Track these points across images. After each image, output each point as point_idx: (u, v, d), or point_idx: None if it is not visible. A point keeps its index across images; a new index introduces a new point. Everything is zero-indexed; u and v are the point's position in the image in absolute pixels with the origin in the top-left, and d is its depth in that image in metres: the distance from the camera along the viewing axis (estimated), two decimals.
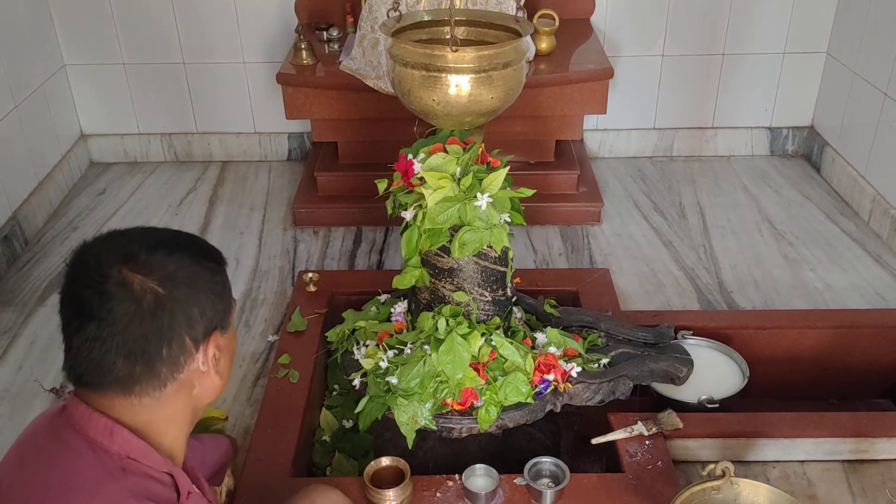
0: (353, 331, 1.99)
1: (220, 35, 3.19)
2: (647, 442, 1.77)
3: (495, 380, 1.74)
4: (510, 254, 1.82)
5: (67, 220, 2.99)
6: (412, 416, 1.71)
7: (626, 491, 1.65)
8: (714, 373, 2.01)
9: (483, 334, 1.76)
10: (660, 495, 1.63)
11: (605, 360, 1.87)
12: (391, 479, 1.65)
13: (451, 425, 1.74)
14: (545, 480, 1.68)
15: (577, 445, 2.00)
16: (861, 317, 2.28)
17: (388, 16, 1.93)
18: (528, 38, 1.99)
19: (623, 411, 1.86)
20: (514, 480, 1.67)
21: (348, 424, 2.03)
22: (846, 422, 1.83)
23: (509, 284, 1.86)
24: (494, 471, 1.67)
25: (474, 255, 1.75)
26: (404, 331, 1.90)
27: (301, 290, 2.30)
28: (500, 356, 1.76)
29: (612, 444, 1.80)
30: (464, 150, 1.74)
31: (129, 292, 0.98)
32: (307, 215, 2.91)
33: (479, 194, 1.67)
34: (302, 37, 2.84)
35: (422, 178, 1.69)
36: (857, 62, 3.01)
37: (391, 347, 1.83)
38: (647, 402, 1.97)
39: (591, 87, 2.78)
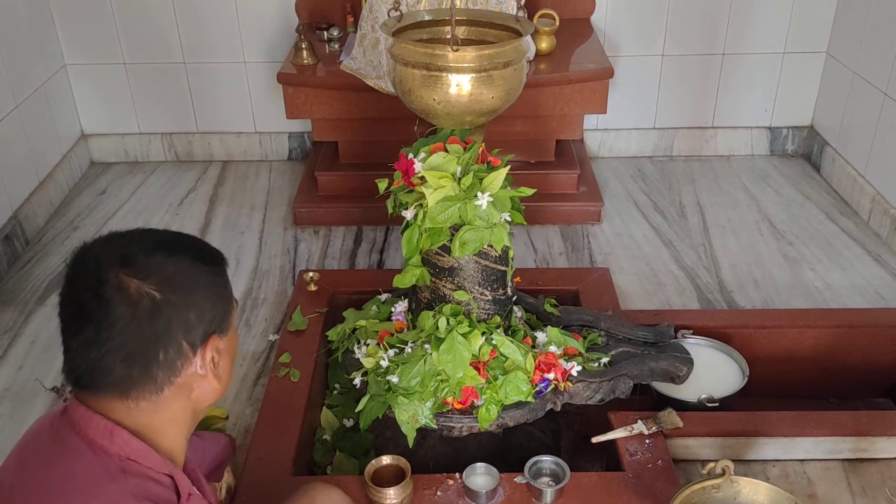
0: (354, 330, 1.99)
1: (220, 35, 3.20)
2: (647, 441, 1.78)
3: (496, 379, 1.74)
4: (510, 253, 1.83)
5: (68, 219, 3.00)
6: (413, 415, 1.71)
7: (626, 489, 1.66)
8: (714, 372, 2.02)
9: (483, 333, 1.77)
10: (660, 494, 1.63)
11: (605, 360, 1.87)
12: (392, 477, 1.65)
13: (452, 424, 1.74)
14: (545, 479, 1.68)
15: (578, 444, 2.00)
16: (861, 316, 2.29)
17: (388, 15, 1.93)
18: (529, 37, 1.99)
19: (623, 410, 1.86)
20: (515, 479, 1.68)
21: (349, 423, 2.03)
22: (846, 421, 1.84)
23: (510, 283, 1.86)
24: (495, 469, 1.67)
25: (475, 255, 1.75)
26: (405, 330, 1.90)
27: (302, 290, 2.30)
28: (501, 355, 1.76)
29: (612, 442, 1.80)
30: (464, 149, 1.74)
31: (125, 296, 0.98)
32: (308, 215, 2.92)
33: (479, 193, 1.68)
34: (302, 36, 2.84)
35: (422, 178, 1.70)
36: (856, 62, 3.01)
37: (392, 346, 1.84)
38: (647, 401, 1.97)
39: (591, 86, 2.78)
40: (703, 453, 1.81)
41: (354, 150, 2.95)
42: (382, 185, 1.79)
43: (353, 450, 1.96)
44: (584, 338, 1.94)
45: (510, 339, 1.78)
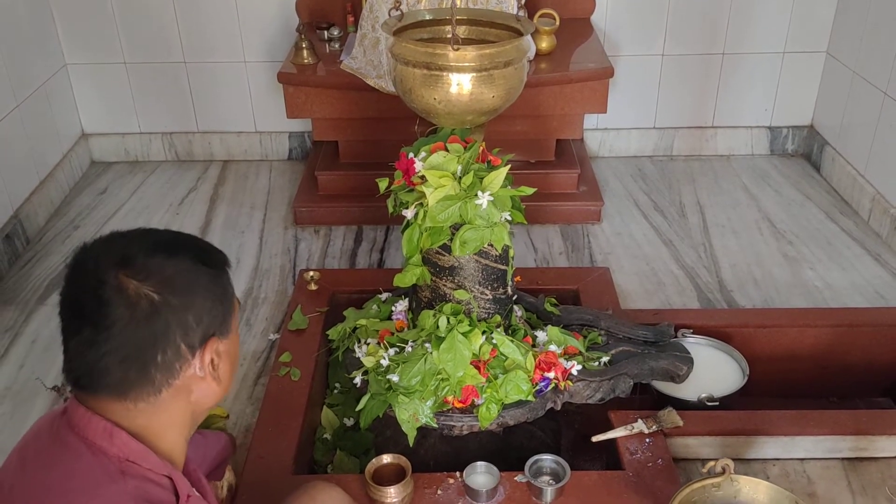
0: (354, 329, 1.99)
1: (221, 34, 3.20)
2: (647, 440, 1.78)
3: (496, 378, 1.75)
4: (511, 252, 1.83)
5: (69, 219, 3.00)
6: (413, 414, 1.72)
7: (626, 488, 1.66)
8: (714, 371, 2.02)
9: (484, 332, 1.77)
10: (660, 493, 1.63)
11: (605, 359, 1.87)
12: (392, 476, 1.65)
13: (452, 423, 1.74)
14: (546, 478, 1.68)
15: (578, 443, 2.00)
16: (861, 315, 2.29)
17: (389, 15, 1.94)
18: (529, 37, 1.99)
19: (623, 409, 1.86)
20: (515, 478, 1.68)
21: (349, 422, 2.03)
22: (846, 420, 1.84)
23: (510, 283, 1.86)
24: (495, 468, 1.67)
25: (475, 254, 1.75)
26: (405, 329, 1.90)
27: (302, 289, 2.30)
28: (501, 354, 1.76)
29: (612, 441, 1.80)
30: (465, 148, 1.74)
31: (124, 298, 0.97)
32: (308, 214, 2.92)
33: (479, 193, 1.68)
34: (303, 36, 2.85)
35: (423, 177, 1.70)
36: (856, 61, 3.01)
37: (392, 345, 1.84)
38: (647, 400, 1.97)
39: (591, 86, 2.79)
40: (703, 452, 1.81)
41: (355, 150, 2.96)
42: (383, 184, 1.79)
43: (353, 449, 1.96)
44: (585, 337, 1.95)
45: (510, 338, 1.79)
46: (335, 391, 2.14)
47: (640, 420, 1.81)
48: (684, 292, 2.52)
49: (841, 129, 3.14)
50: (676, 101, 3.34)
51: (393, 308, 1.98)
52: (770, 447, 1.81)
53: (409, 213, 1.75)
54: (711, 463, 1.56)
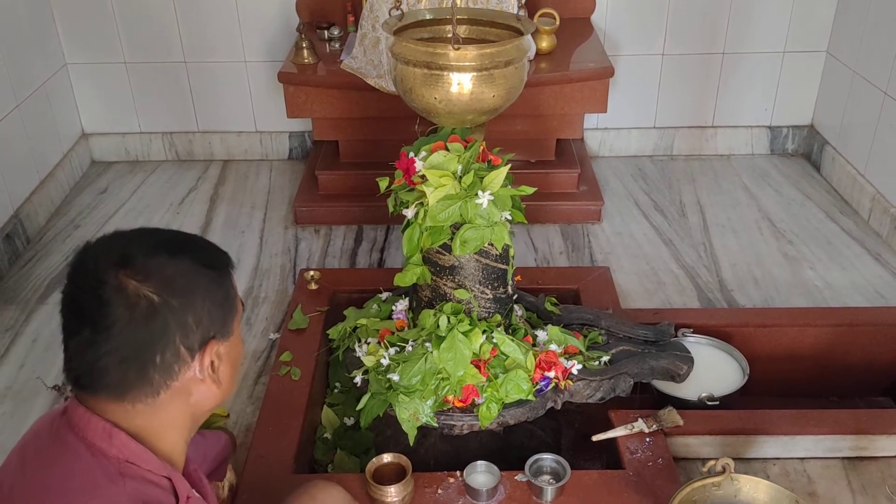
0: (355, 328, 1.99)
1: (221, 34, 3.20)
2: (647, 439, 1.78)
3: (496, 377, 1.75)
4: (511, 251, 1.83)
5: (69, 218, 3.00)
6: (413, 413, 1.72)
7: (626, 487, 1.66)
8: (714, 370, 2.02)
9: (484, 332, 1.77)
10: (660, 492, 1.63)
11: (605, 358, 1.87)
12: (393, 475, 1.65)
13: (453, 422, 1.74)
14: (546, 477, 1.68)
15: (578, 442, 2.00)
16: (861, 315, 2.29)
17: (389, 14, 1.94)
18: (529, 36, 1.99)
19: (623, 408, 1.86)
20: (515, 477, 1.68)
21: (350, 422, 2.03)
22: (846, 419, 1.84)
23: (510, 282, 1.87)
24: (495, 467, 1.67)
25: (475, 253, 1.76)
26: (406, 328, 1.91)
27: (302, 288, 2.31)
28: (502, 353, 1.76)
29: (612, 441, 1.80)
30: (465, 148, 1.74)
31: (124, 298, 0.96)
32: (308, 214, 2.92)
33: (480, 192, 1.68)
34: (303, 36, 2.85)
35: (423, 176, 1.70)
36: (856, 61, 3.01)
37: (392, 345, 1.84)
38: (647, 399, 1.97)
39: (591, 85, 2.79)
40: (703, 451, 1.81)
41: (355, 150, 2.96)
42: (383, 183, 1.79)
43: (353, 448, 1.96)
44: (585, 336, 1.95)
45: (511, 337, 1.79)
46: (335, 390, 2.14)
47: (640, 419, 1.81)
48: (684, 292, 2.52)
49: (841, 128, 3.14)
50: (676, 101, 3.34)
51: (393, 307, 1.98)
52: (770, 446, 1.81)
53: (409, 213, 1.75)
54: (712, 462, 1.56)
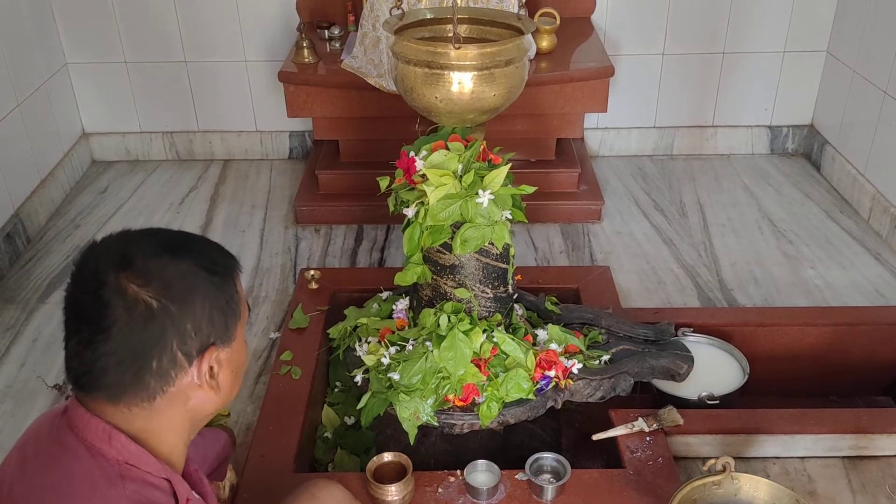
0: (355, 328, 1.99)
1: (221, 33, 3.20)
2: (647, 438, 1.78)
3: (497, 376, 1.75)
4: (511, 251, 1.83)
5: (69, 218, 3.00)
6: (414, 413, 1.72)
7: (626, 487, 1.66)
8: (714, 370, 2.02)
9: (485, 331, 1.77)
10: (660, 491, 1.64)
11: (605, 357, 1.87)
12: (393, 474, 1.66)
13: (453, 421, 1.74)
14: (546, 476, 1.69)
15: (578, 442, 2.00)
16: (861, 314, 2.29)
17: (390, 14, 1.94)
18: (530, 35, 1.99)
19: (624, 408, 1.86)
20: (516, 476, 1.68)
21: (350, 421, 2.04)
22: (846, 418, 1.84)
23: (511, 281, 1.87)
24: (496, 466, 1.68)
25: (476, 252, 1.76)
26: (406, 327, 1.91)
27: (303, 288, 2.31)
28: (502, 352, 1.77)
29: (612, 440, 1.80)
30: (465, 147, 1.74)
31: (123, 300, 0.96)
32: (308, 213, 2.92)
33: (480, 191, 1.68)
34: (303, 35, 2.85)
35: (423, 176, 1.70)
36: (856, 61, 3.02)
37: (393, 344, 1.84)
38: (647, 398, 1.98)
39: (591, 85, 2.79)
40: (703, 451, 1.81)
41: (355, 149, 2.96)
42: (384, 182, 1.79)
43: (354, 447, 1.97)
44: (585, 335, 1.95)
45: (511, 336, 1.79)
46: (336, 390, 2.14)
47: (640, 418, 1.81)
48: (685, 291, 2.52)
49: (841, 128, 3.14)
50: (677, 101, 3.34)
51: (394, 307, 1.99)
52: (770, 445, 1.81)
53: (409, 212, 1.75)
54: (712, 461, 1.56)
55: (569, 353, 1.84)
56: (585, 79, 2.78)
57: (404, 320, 1.93)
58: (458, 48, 1.75)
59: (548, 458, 1.70)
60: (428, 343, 1.76)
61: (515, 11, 1.97)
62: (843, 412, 1.87)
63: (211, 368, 1.03)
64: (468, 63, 1.76)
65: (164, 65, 3.26)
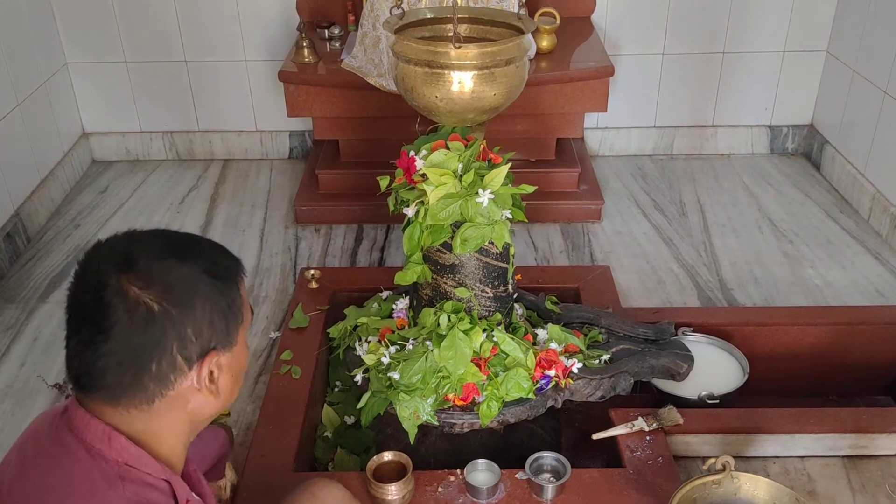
0: (355, 327, 1.99)
1: (221, 33, 3.20)
2: (647, 437, 1.78)
3: (497, 375, 1.75)
4: (511, 250, 1.83)
5: (69, 217, 3.00)
6: (414, 412, 1.72)
7: (626, 486, 1.66)
8: (714, 369, 2.02)
9: (485, 330, 1.77)
10: (660, 490, 1.64)
11: (605, 357, 1.87)
12: (393, 473, 1.66)
13: (453, 420, 1.74)
14: (546, 475, 1.69)
15: (578, 441, 2.00)
16: (861, 314, 2.29)
17: (390, 13, 1.94)
18: (530, 35, 2.00)
19: (624, 407, 1.86)
20: (516, 475, 1.68)
21: (350, 420, 2.04)
22: (846, 417, 1.84)
23: (511, 281, 1.87)
24: (496, 466, 1.68)
25: (476, 252, 1.76)
26: (406, 327, 1.91)
27: (303, 287, 2.31)
28: (502, 352, 1.77)
29: (612, 439, 1.80)
30: (465, 146, 1.74)
31: (124, 302, 0.95)
32: (308, 213, 2.92)
33: (480, 191, 1.68)
34: (303, 35, 2.85)
35: (424, 175, 1.70)
36: (856, 60, 3.02)
37: (393, 343, 1.84)
38: (647, 398, 1.98)
39: (591, 85, 2.79)
40: (703, 450, 1.81)
41: (355, 149, 2.96)
42: (384, 182, 1.80)
43: (354, 447, 1.97)
44: (585, 335, 1.95)
45: (511, 336, 1.79)
46: (336, 389, 2.14)
47: (640, 418, 1.81)
48: (684, 291, 2.52)
49: (841, 127, 3.14)
50: (677, 100, 3.34)
51: (394, 306, 1.99)
52: (770, 445, 1.81)
53: (409, 211, 1.75)
54: (712, 460, 1.56)
55: (569, 353, 1.84)
56: (585, 78, 2.78)
57: (404, 320, 1.94)
58: (459, 48, 1.75)
59: (548, 457, 1.70)
60: (428, 342, 1.76)
61: (515, 11, 1.97)
62: (843, 411, 1.87)
63: (211, 373, 1.02)
64: (468, 62, 1.76)
65: (164, 64, 3.26)
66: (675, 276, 2.60)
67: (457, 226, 1.72)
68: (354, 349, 1.91)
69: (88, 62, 3.25)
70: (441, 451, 1.90)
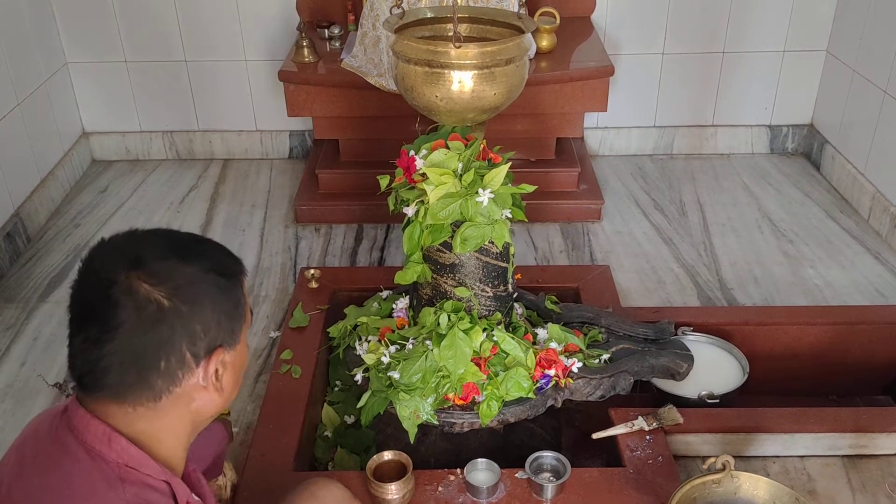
0: (355, 327, 1.99)
1: (221, 33, 3.20)
2: (647, 437, 1.78)
3: (497, 375, 1.75)
4: (511, 250, 1.83)
5: (69, 217, 3.00)
6: (414, 411, 1.72)
7: (626, 485, 1.66)
8: (714, 369, 2.02)
9: (485, 330, 1.77)
10: (660, 489, 1.64)
11: (605, 356, 1.87)
12: (393, 473, 1.66)
13: (453, 420, 1.74)
14: (546, 474, 1.69)
15: (578, 440, 2.00)
16: (860, 313, 2.29)
17: (390, 13, 1.94)
18: (530, 34, 2.00)
19: (623, 406, 1.87)
20: (516, 474, 1.68)
21: (350, 420, 2.04)
22: (846, 417, 1.84)
23: (510, 280, 1.87)
24: (496, 465, 1.68)
25: (476, 251, 1.76)
26: (406, 326, 1.91)
27: (303, 287, 2.31)
28: (502, 351, 1.77)
29: (612, 439, 1.80)
30: (465, 146, 1.74)
31: (133, 300, 0.96)
32: (308, 212, 2.92)
33: (480, 190, 1.68)
34: (303, 34, 2.85)
35: (424, 174, 1.70)
36: (856, 60, 3.02)
37: (393, 343, 1.84)
38: (647, 397, 1.98)
39: (591, 84, 2.79)
40: (703, 449, 1.82)
41: (355, 148, 2.96)
42: (384, 181, 1.80)
43: (354, 446, 1.97)
44: (585, 334, 1.95)
45: (511, 335, 1.79)
46: (336, 389, 2.14)
47: (640, 417, 1.81)
48: (684, 290, 2.53)
49: (841, 127, 3.14)
50: (676, 100, 3.34)
51: (394, 305, 1.99)
52: (770, 444, 1.81)
53: (409, 211, 1.75)
54: (712, 460, 1.56)
55: (569, 352, 1.84)
56: (585, 78, 2.78)
57: (404, 319, 1.94)
58: (459, 47, 1.75)
59: (548, 456, 1.70)
60: (428, 342, 1.76)
61: (515, 10, 1.98)
62: (843, 411, 1.88)
63: (216, 370, 1.03)
64: (468, 62, 1.77)
65: (164, 64, 3.26)
66: (674, 275, 2.60)
67: (457, 225, 1.72)
68: (354, 348, 1.91)
69: (88, 62, 3.25)
70: (441, 450, 1.90)
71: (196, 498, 1.08)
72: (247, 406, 2.05)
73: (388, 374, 1.76)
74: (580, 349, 1.86)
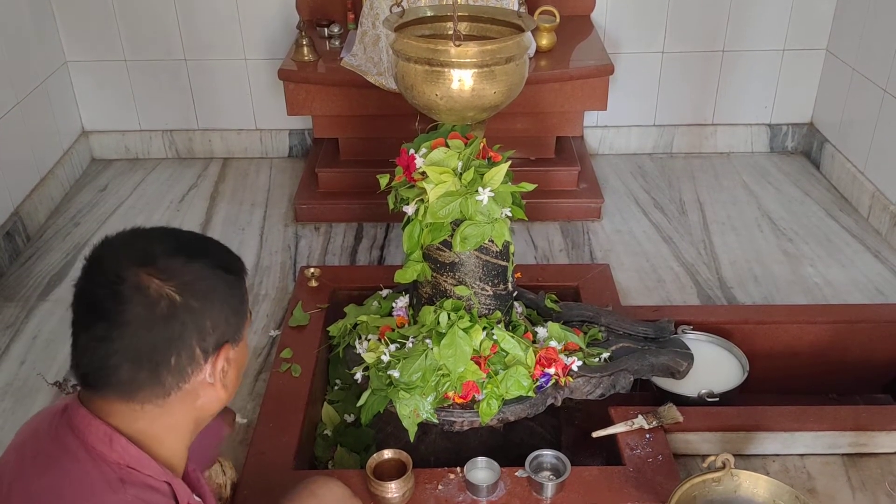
0: (355, 325, 1.99)
1: (221, 31, 3.20)
2: (647, 435, 1.78)
3: (496, 373, 1.75)
4: (511, 248, 1.83)
5: (69, 216, 3.00)
6: (414, 410, 1.72)
7: (626, 484, 1.66)
8: (714, 367, 2.02)
9: (484, 328, 1.77)
10: (660, 488, 1.64)
11: (605, 355, 1.87)
12: (393, 471, 1.66)
13: (453, 419, 1.74)
14: (546, 473, 1.69)
15: (578, 439, 2.00)
16: (860, 312, 2.29)
17: (390, 11, 1.94)
18: (530, 33, 2.00)
19: (623, 405, 1.87)
20: (516, 473, 1.68)
21: (350, 418, 2.04)
22: (845, 415, 1.84)
23: (510, 279, 1.87)
24: (496, 464, 1.68)
25: (476, 250, 1.76)
26: (406, 325, 1.91)
27: (303, 286, 2.31)
28: (502, 350, 1.77)
29: (612, 437, 1.81)
30: (465, 145, 1.74)
31: (144, 296, 0.96)
32: (308, 211, 2.92)
33: (480, 189, 1.68)
34: (303, 33, 2.85)
35: (423, 173, 1.70)
36: (856, 59, 3.02)
37: (393, 341, 1.84)
38: (647, 396, 1.98)
39: (591, 83, 2.79)
40: (703, 448, 1.82)
41: (355, 147, 2.96)
42: (384, 180, 1.80)
43: (354, 445, 1.97)
44: (585, 333, 1.95)
45: (511, 334, 1.79)
46: (336, 387, 2.14)
47: (640, 416, 1.81)
48: (684, 289, 2.53)
49: (841, 126, 3.14)
50: (676, 99, 3.34)
51: (393, 304, 1.99)
52: (770, 443, 1.82)
53: (409, 210, 1.75)
54: (711, 458, 1.56)
55: (568, 351, 1.84)
56: (585, 77, 2.78)
57: (404, 318, 1.94)
58: (459, 45, 1.75)
59: (548, 455, 1.71)
60: (428, 340, 1.76)
61: (515, 9, 1.98)
62: (843, 409, 1.88)
63: (223, 367, 1.04)
64: (468, 60, 1.77)
65: (163, 63, 3.26)
66: (674, 274, 2.60)
67: (457, 224, 1.72)
68: (354, 347, 1.91)
69: (88, 60, 3.25)
70: (441, 449, 1.90)
71: (197, 498, 1.09)
72: (247, 405, 2.06)
73: (388, 372, 1.76)
74: (580, 348, 1.86)
